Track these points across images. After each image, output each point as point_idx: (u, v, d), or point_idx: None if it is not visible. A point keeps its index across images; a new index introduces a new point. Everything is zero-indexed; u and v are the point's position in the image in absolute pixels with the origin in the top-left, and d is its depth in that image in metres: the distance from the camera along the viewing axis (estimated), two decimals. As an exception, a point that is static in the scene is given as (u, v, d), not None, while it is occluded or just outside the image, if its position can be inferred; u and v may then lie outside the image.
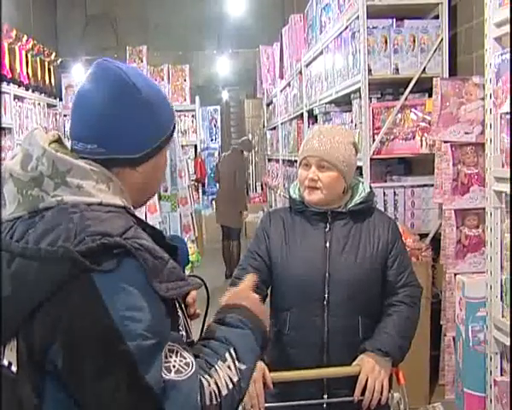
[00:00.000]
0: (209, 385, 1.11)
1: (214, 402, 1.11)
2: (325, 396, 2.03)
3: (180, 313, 1.25)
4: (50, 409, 1.12)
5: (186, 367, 1.10)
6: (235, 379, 1.16)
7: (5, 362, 1.13)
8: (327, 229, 2.08)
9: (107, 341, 1.06)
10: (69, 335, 1.07)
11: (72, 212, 1.13)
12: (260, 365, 1.91)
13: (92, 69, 1.24)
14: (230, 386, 1.14)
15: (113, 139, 1.20)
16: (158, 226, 5.94)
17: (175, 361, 1.10)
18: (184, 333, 1.24)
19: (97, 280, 1.07)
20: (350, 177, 2.10)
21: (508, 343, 2.35)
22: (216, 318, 1.28)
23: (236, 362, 1.17)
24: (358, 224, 2.10)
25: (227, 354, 1.17)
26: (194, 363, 1.12)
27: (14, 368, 1.12)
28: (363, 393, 1.94)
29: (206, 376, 1.12)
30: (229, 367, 1.16)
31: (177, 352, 1.11)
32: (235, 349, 1.18)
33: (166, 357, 1.09)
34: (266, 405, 1.95)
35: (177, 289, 1.15)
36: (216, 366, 1.15)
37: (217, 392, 1.12)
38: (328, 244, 2.06)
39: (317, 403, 2.02)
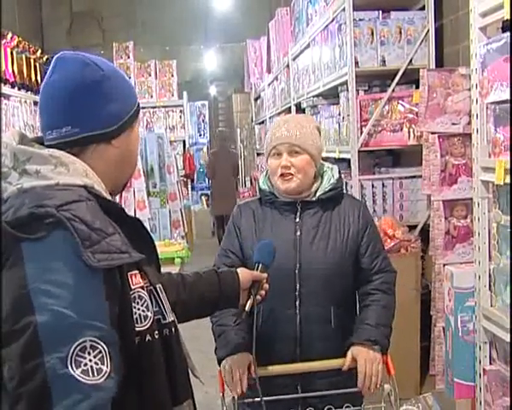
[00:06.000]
0: None
1: None
2: (299, 388, 2.04)
3: (148, 297, 1.21)
4: None
5: (96, 374, 1.02)
6: None
7: None
8: (297, 219, 2.08)
9: (18, 310, 1.03)
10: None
11: (27, 194, 1.14)
12: (248, 356, 1.92)
13: (53, 63, 1.27)
14: None
15: (85, 117, 1.23)
16: (147, 223, 5.95)
17: (90, 361, 1.02)
18: (151, 315, 1.20)
19: (24, 249, 1.07)
20: (319, 161, 2.12)
21: (501, 336, 2.37)
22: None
23: None
24: (328, 212, 2.10)
25: None
26: (108, 376, 1.04)
27: None
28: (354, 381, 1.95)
29: None
30: None
31: (99, 353, 1.04)
32: None
33: (83, 351, 1.02)
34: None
35: (109, 260, 1.10)
36: None
37: None
38: (298, 234, 2.06)
39: (299, 397, 2.03)
